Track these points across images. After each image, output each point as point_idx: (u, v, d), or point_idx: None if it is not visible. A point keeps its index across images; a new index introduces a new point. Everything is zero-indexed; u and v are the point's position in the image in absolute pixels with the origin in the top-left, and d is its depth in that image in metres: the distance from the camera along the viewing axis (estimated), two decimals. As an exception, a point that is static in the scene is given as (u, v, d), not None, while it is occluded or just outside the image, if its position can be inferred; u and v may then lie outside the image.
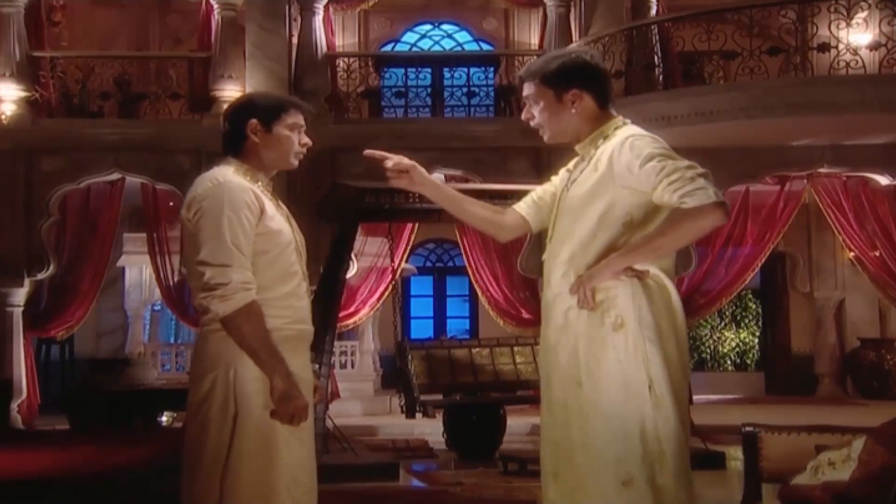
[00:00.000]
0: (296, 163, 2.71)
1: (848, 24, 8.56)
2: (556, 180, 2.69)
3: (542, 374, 2.58)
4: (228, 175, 2.56)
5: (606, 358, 2.38)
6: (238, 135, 2.63)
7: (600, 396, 2.37)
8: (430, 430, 8.61)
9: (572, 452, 2.42)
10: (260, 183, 2.64)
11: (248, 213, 2.49)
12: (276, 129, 2.64)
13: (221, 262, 2.43)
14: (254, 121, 2.61)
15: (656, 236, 2.38)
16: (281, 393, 2.44)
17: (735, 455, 7.46)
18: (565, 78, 2.53)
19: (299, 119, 2.69)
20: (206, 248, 2.45)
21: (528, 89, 2.59)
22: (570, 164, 2.66)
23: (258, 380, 2.46)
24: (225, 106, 2.84)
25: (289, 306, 2.57)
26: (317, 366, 2.58)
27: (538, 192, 2.75)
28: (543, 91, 2.55)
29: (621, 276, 2.39)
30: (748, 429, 4.00)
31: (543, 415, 2.55)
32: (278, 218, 2.61)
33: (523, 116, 2.64)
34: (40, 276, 9.43)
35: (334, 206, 7.54)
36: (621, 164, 2.41)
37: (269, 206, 2.59)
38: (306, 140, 2.72)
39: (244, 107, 2.71)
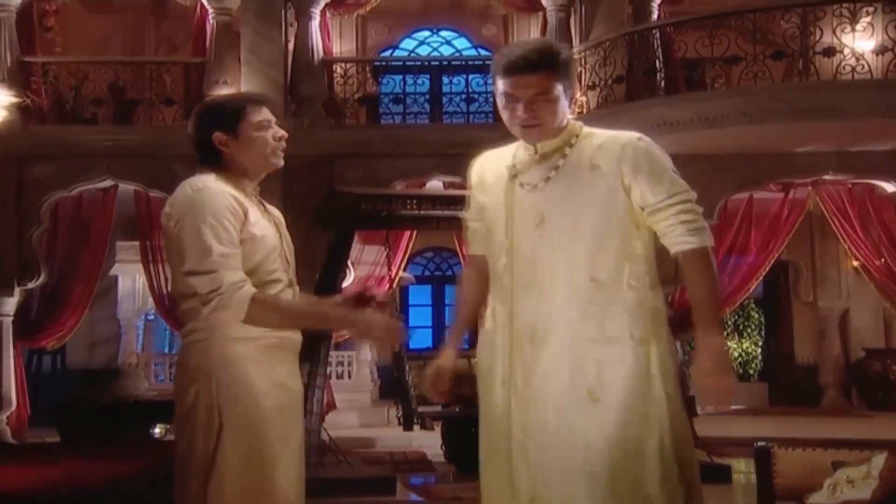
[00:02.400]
0: (279, 161, 2.58)
1: (853, 29, 8.44)
2: (481, 196, 2.46)
3: (523, 393, 2.31)
4: (209, 182, 2.46)
5: (627, 375, 2.24)
6: (209, 150, 2.53)
7: (619, 417, 2.21)
8: (429, 442, 8.48)
9: (563, 478, 2.23)
10: (247, 189, 2.54)
11: (230, 217, 2.40)
12: (243, 133, 2.52)
13: (208, 269, 2.34)
14: (218, 133, 2.51)
15: (714, 290, 2.29)
16: (352, 327, 2.57)
17: (740, 468, 7.31)
18: (571, 71, 2.37)
19: (265, 114, 2.56)
20: (191, 257, 2.37)
21: (539, 81, 2.29)
22: (503, 165, 2.41)
23: (241, 384, 2.38)
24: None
25: None
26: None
27: (478, 226, 2.51)
28: (554, 84, 2.30)
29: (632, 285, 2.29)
30: (761, 444, 3.82)
31: (519, 436, 2.31)
32: (262, 223, 2.51)
33: (522, 112, 2.30)
34: (31, 284, 9.28)
35: (330, 212, 7.43)
36: (631, 165, 2.28)
37: (254, 212, 2.49)
38: (280, 133, 2.59)
39: (204, 121, 2.57)
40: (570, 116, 2.39)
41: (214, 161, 2.52)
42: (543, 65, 2.29)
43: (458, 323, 2.63)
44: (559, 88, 2.31)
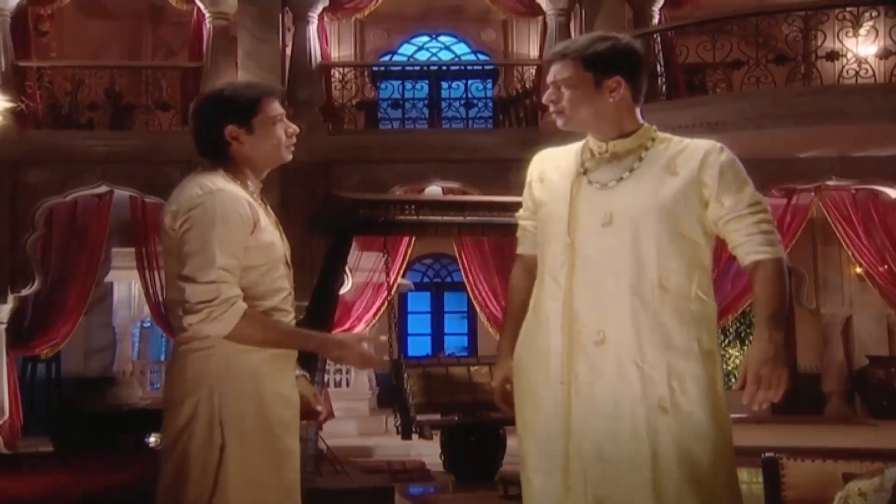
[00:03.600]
0: (289, 156, 2.46)
1: (856, 33, 8.36)
2: (540, 191, 2.43)
3: (588, 397, 2.23)
4: (219, 182, 2.30)
5: (698, 389, 2.24)
6: (217, 143, 2.37)
7: (690, 434, 2.22)
8: (428, 451, 8.35)
9: (629, 490, 2.20)
10: (251, 187, 2.40)
11: (239, 225, 2.26)
12: (258, 127, 2.38)
13: (207, 279, 2.19)
14: (231, 127, 2.35)
15: (784, 296, 2.23)
16: (332, 356, 2.49)
17: (742, 478, 7.20)
18: (611, 63, 2.30)
19: (278, 108, 2.43)
20: (191, 262, 2.21)
21: (562, 69, 2.33)
22: (570, 161, 2.39)
23: (246, 397, 2.25)
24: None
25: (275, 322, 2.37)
26: (304, 373, 2.52)
27: (528, 224, 2.50)
28: (581, 73, 2.30)
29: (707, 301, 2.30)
30: (769, 455, 3.70)
31: (579, 441, 2.24)
32: (270, 228, 2.38)
33: (545, 98, 2.38)
34: (25, 291, 9.18)
35: (327, 218, 7.31)
36: (714, 173, 2.25)
37: (262, 215, 2.36)
38: (293, 128, 2.46)
39: (214, 112, 2.38)
40: (642, 121, 2.37)
41: (219, 156, 2.37)
42: (572, 53, 2.32)
43: (513, 329, 2.48)
44: (586, 78, 2.30)
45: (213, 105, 2.41)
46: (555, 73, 2.34)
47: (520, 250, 2.54)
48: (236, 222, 2.25)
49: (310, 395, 2.55)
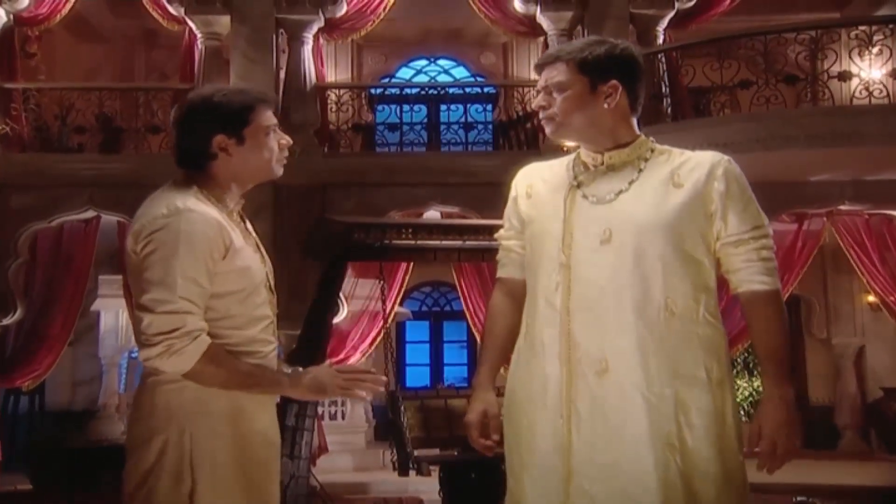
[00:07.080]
0: (280, 170, 2.23)
1: (868, 52, 8.13)
2: (528, 207, 2.28)
3: (590, 430, 2.05)
4: (189, 201, 2.07)
5: (706, 424, 2.05)
6: (201, 154, 2.14)
7: (699, 473, 2.03)
8: (426, 487, 8.02)
9: None
10: (230, 204, 2.17)
11: (207, 251, 2.02)
12: (250, 138, 2.15)
13: (166, 309, 1.97)
14: (220, 137, 2.12)
15: (787, 337, 2.13)
16: (311, 393, 2.19)
17: (758, 517, 6.83)
18: (608, 67, 2.14)
19: (272, 117, 2.20)
20: (150, 290, 1.99)
21: (556, 73, 2.18)
22: (561, 175, 2.24)
23: (220, 436, 2.03)
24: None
25: (255, 353, 2.14)
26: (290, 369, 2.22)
27: (513, 244, 2.34)
28: (576, 77, 2.16)
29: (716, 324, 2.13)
30: (801, 499, 3.36)
31: (581, 480, 2.06)
32: (247, 252, 2.15)
33: (535, 104, 2.24)
34: (6, 321, 8.89)
35: (321, 242, 7.01)
36: (721, 188, 2.12)
37: (237, 237, 2.12)
38: (286, 139, 2.24)
39: (202, 120, 2.15)
40: (639, 133, 2.23)
41: (198, 167, 2.14)
42: (566, 55, 2.19)
43: (493, 358, 2.35)
44: (580, 82, 2.16)
45: (200, 112, 2.18)
46: (546, 77, 2.20)
47: (501, 273, 2.35)
48: (203, 247, 2.03)
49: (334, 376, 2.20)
